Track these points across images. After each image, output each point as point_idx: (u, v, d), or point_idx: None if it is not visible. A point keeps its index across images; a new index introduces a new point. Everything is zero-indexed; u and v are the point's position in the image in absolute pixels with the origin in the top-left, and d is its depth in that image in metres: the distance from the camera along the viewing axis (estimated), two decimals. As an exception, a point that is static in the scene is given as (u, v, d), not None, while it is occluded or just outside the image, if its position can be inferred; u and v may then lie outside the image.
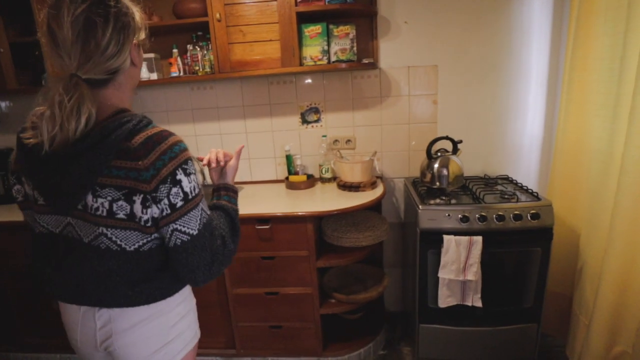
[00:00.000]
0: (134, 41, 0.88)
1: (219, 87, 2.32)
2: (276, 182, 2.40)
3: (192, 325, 1.06)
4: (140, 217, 0.83)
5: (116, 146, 0.80)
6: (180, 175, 0.84)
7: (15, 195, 0.95)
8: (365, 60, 2.05)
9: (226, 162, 1.14)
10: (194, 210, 0.87)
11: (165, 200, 0.83)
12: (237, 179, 2.40)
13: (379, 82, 2.21)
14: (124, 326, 0.92)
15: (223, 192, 1.09)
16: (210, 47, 2.01)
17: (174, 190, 0.83)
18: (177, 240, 0.86)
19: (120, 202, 0.82)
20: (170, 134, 0.85)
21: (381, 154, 2.32)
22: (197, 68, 2.07)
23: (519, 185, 2.02)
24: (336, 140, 2.32)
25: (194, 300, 1.09)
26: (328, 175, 2.27)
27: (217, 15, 1.90)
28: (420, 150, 2.18)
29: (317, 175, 2.35)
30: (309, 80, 2.25)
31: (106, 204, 0.82)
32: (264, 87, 2.29)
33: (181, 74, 2.10)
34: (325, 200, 2.00)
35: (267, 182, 2.42)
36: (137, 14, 0.88)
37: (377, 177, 2.26)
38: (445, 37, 2.11)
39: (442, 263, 1.72)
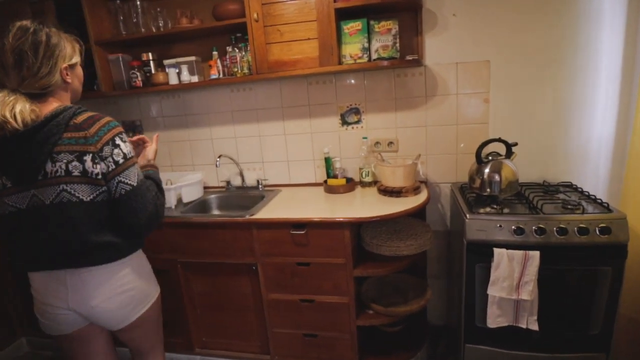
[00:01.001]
0: (64, 65, 1.13)
1: (258, 89, 2.29)
2: (315, 186, 2.34)
3: (149, 283, 1.34)
4: (92, 172, 1.09)
5: (64, 123, 1.07)
6: (119, 141, 1.13)
7: None
8: (409, 57, 1.92)
9: (145, 146, 1.43)
10: (132, 167, 1.15)
11: (110, 159, 1.10)
12: (275, 181, 2.38)
13: (424, 80, 2.07)
14: (90, 288, 1.17)
15: (149, 167, 1.36)
16: (248, 48, 1.99)
17: (116, 150, 1.11)
18: (122, 190, 1.13)
19: (74, 163, 1.08)
20: (105, 116, 1.14)
21: (426, 157, 2.17)
22: (235, 70, 2.05)
23: (585, 194, 1.79)
24: (377, 143, 2.20)
25: (147, 265, 1.38)
26: (368, 179, 2.16)
27: (255, 15, 1.86)
28: (469, 154, 2.01)
29: (357, 179, 2.25)
30: (349, 80, 2.16)
31: (63, 166, 1.07)
32: (303, 87, 2.23)
33: (220, 76, 2.10)
34: (365, 205, 1.90)
35: (306, 185, 2.36)
36: (69, 44, 1.15)
37: (421, 182, 2.12)
38: (499, 28, 1.92)
39: (492, 279, 1.56)
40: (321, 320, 1.89)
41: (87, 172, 1.08)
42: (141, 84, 2.19)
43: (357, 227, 1.92)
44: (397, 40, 1.88)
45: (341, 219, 1.72)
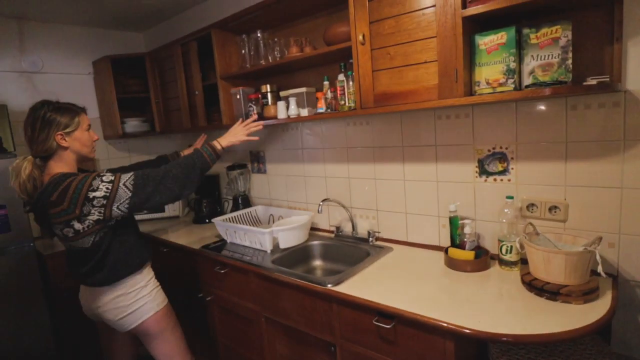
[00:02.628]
0: (59, 133, 1.40)
1: (375, 123, 1.90)
2: (436, 249, 1.77)
3: (154, 297, 1.59)
4: (82, 228, 1.37)
5: (46, 202, 1.34)
6: (92, 194, 1.34)
7: None
8: (591, 80, 1.20)
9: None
10: (118, 191, 1.38)
11: (94, 210, 1.36)
12: (389, 234, 1.96)
13: (622, 114, 1.28)
14: (94, 300, 1.52)
15: (206, 145, 1.65)
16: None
17: (95, 201, 1.35)
18: (125, 205, 1.40)
19: (66, 229, 1.38)
20: (74, 178, 1.36)
21: (617, 238, 1.34)
22: (342, 102, 1.72)
23: None
24: (532, 206, 1.49)
25: (151, 282, 1.61)
26: (511, 257, 1.48)
27: (360, 37, 1.49)
28: None
29: (494, 252, 1.58)
30: (492, 114, 1.54)
31: (60, 233, 1.40)
32: (429, 122, 1.72)
33: (325, 109, 1.80)
34: (496, 304, 1.26)
35: (425, 247, 1.82)
36: (66, 117, 1.42)
37: (607, 275, 1.30)
38: None
39: None
40: None
41: (78, 232, 1.39)
42: (256, 118, 2.10)
43: (475, 341, 1.29)
44: (569, 54, 1.19)
45: (444, 324, 1.16)
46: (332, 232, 2.18)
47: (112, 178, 1.39)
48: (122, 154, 3.08)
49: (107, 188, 1.37)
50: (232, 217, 2.32)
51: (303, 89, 1.91)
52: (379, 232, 1.99)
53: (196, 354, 2.41)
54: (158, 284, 1.66)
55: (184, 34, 2.42)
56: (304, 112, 1.92)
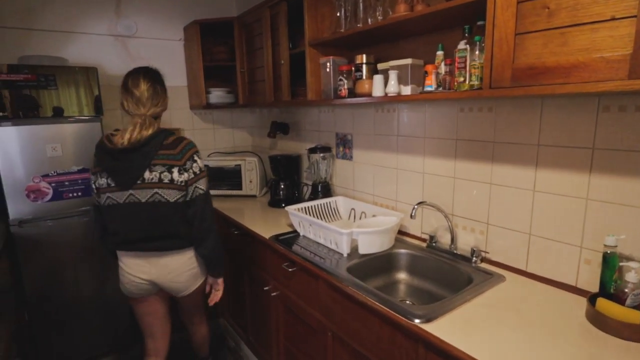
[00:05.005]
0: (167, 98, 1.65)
1: (500, 109, 1.43)
2: (571, 292, 1.28)
3: (203, 266, 1.71)
4: (177, 180, 1.52)
5: (160, 142, 1.50)
6: (196, 157, 1.56)
7: (97, 186, 1.55)
8: None
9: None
10: (204, 178, 1.58)
11: (190, 170, 1.53)
12: (501, 258, 1.51)
13: None
14: (168, 268, 1.61)
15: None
16: (484, 45, 1.18)
17: (194, 165, 1.55)
18: (197, 192, 1.55)
19: (165, 173, 1.50)
20: (185, 138, 1.59)
21: None
22: (461, 79, 1.29)
23: None
24: None
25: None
26: None
27: (503, -16, 1.04)
28: None
29: (677, 318, 1.05)
30: None
31: (157, 175, 1.49)
32: (588, 114, 1.20)
33: (434, 88, 1.38)
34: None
35: (554, 285, 1.33)
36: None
37: None
38: None
39: None
40: None
41: (173, 180, 1.51)
42: (346, 94, 1.76)
43: None
44: None
45: None
46: (423, 240, 1.78)
47: (204, 168, 1.60)
48: (207, 124, 2.99)
49: (201, 168, 1.58)
50: (308, 207, 2.04)
51: (408, 60, 1.51)
52: (486, 252, 1.54)
53: (250, 343, 2.26)
54: None
55: (275, -6, 2.15)
56: (406, 90, 1.52)
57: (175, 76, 2.76)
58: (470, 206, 1.59)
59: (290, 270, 1.71)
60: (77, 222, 2.15)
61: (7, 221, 2.00)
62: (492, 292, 1.30)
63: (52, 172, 2.07)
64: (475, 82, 1.23)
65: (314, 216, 2.02)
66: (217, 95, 2.68)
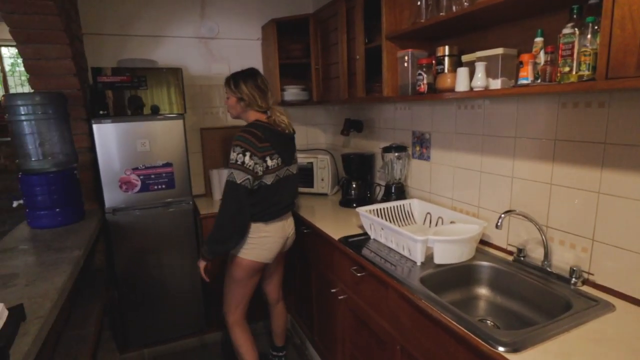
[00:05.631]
0: None
1: (613, 104, 1.19)
2: None
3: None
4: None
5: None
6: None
7: (264, 168, 1.74)
8: None
9: None
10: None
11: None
12: (609, 282, 1.29)
13: None
14: (291, 224, 2.01)
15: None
16: (599, 26, 0.98)
17: None
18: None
19: (297, 154, 2.00)
20: None
21: None
22: (566, 69, 1.09)
23: None
24: None
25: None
26: None
27: (631, -50, 0.84)
28: None
29: None
30: None
31: (297, 156, 1.99)
32: None
33: (531, 80, 1.20)
34: None
35: (684, 322, 1.08)
36: None
37: None
38: None
39: None
40: None
41: (296, 159, 1.97)
42: (425, 89, 1.62)
43: None
44: None
45: None
46: (509, 253, 1.58)
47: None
48: (282, 122, 3.03)
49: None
50: (380, 209, 1.94)
51: (499, 50, 1.33)
52: (590, 274, 1.31)
53: (314, 343, 2.22)
54: None
55: (352, -12, 2.07)
56: (496, 84, 1.35)
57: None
58: (571, 218, 1.36)
59: (359, 274, 1.63)
60: (162, 212, 2.31)
61: (103, 209, 2.20)
62: (598, 323, 1.09)
63: (141, 166, 2.23)
64: (586, 72, 1.03)
65: (386, 219, 1.92)
66: (291, 92, 2.69)
